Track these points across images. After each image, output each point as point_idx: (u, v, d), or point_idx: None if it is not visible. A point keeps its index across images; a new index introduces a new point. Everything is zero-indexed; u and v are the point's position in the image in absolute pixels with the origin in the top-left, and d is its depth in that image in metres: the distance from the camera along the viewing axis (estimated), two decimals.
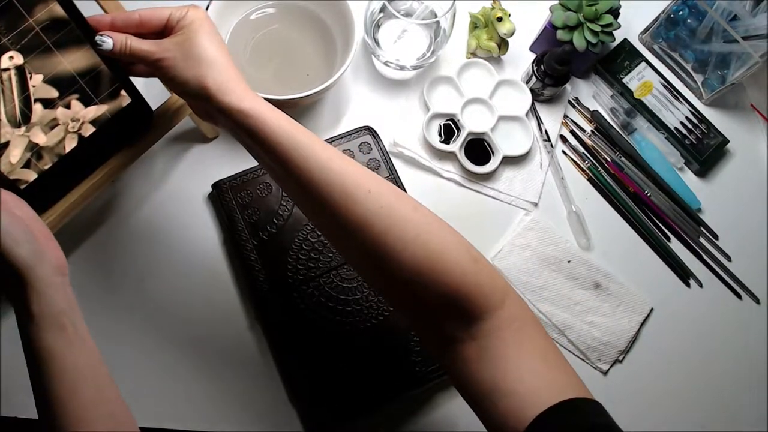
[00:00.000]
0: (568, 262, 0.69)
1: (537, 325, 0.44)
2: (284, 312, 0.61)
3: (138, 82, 0.57)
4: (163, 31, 0.50)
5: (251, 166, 0.66)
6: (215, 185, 0.65)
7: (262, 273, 0.62)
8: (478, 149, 0.71)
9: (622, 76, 0.77)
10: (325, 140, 0.67)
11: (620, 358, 0.68)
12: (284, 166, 0.46)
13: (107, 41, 0.49)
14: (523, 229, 0.70)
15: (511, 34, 0.71)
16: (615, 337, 0.67)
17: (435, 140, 0.70)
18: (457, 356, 0.43)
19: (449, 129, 0.72)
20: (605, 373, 0.67)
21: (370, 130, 0.69)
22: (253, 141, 0.46)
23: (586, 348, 0.66)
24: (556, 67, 0.70)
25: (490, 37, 0.73)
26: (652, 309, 0.70)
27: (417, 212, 0.45)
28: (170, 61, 0.48)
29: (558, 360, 0.43)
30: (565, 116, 0.76)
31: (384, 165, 0.68)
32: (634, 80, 0.77)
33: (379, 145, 0.69)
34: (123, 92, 0.55)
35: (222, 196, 0.64)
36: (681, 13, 0.76)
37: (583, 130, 0.76)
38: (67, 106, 0.52)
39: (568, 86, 0.75)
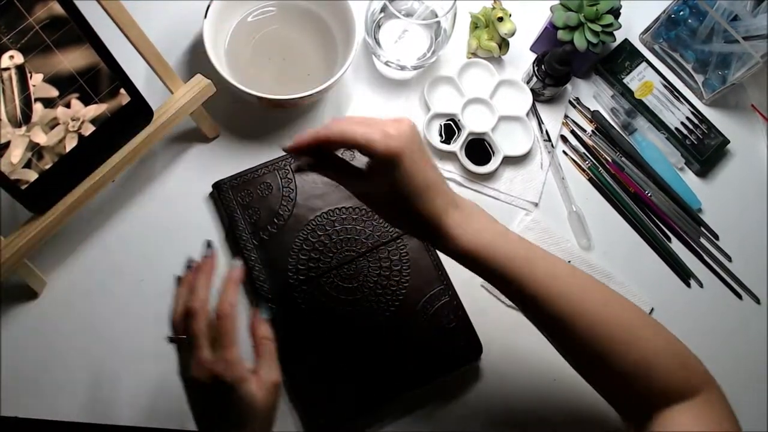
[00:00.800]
0: (569, 262, 0.69)
1: (724, 418, 0.49)
2: (285, 312, 0.61)
3: (137, 80, 0.57)
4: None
5: (251, 165, 0.66)
6: (216, 185, 0.65)
7: (263, 273, 0.62)
8: (479, 149, 0.71)
9: (622, 77, 0.77)
10: None
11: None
12: (527, 302, 0.50)
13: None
14: (523, 229, 0.70)
15: (512, 34, 0.71)
16: None
17: (435, 140, 0.70)
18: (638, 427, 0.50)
19: (450, 129, 0.72)
20: None
21: None
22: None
23: None
24: (556, 67, 0.70)
25: (491, 37, 0.73)
26: (652, 309, 0.70)
27: (641, 319, 0.51)
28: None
29: None
30: (566, 116, 0.76)
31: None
32: (634, 80, 0.77)
33: None
34: (122, 91, 0.55)
35: (222, 196, 0.64)
36: (682, 13, 0.76)
37: (584, 130, 0.76)
38: (67, 106, 0.52)
39: (568, 86, 0.75)
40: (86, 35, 0.51)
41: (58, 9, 0.49)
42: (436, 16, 0.70)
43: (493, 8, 0.73)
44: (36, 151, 0.52)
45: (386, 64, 0.71)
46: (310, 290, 0.62)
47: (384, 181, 0.47)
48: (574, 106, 0.77)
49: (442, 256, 0.64)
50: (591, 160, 0.74)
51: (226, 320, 0.49)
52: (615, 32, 0.72)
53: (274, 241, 0.63)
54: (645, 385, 0.49)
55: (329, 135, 0.46)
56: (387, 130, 0.45)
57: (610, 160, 0.75)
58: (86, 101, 0.53)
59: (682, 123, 0.76)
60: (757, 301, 0.73)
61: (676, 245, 0.73)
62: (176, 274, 0.53)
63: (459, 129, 0.71)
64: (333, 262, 0.63)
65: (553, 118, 0.75)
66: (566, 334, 0.49)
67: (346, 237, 0.64)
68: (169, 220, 0.65)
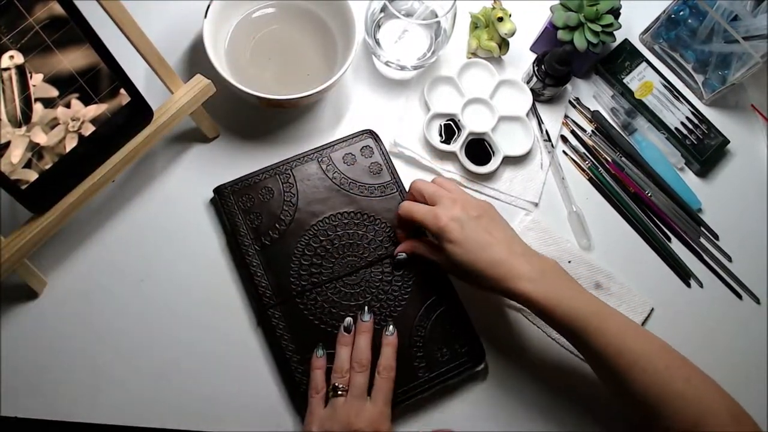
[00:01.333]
0: (569, 262, 0.69)
1: None
2: (287, 318, 0.61)
3: (137, 80, 0.57)
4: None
5: (252, 167, 0.66)
6: (217, 190, 0.65)
7: (265, 279, 0.62)
8: (479, 149, 0.71)
9: (622, 77, 0.77)
10: (326, 144, 0.68)
11: None
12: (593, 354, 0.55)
13: (403, 256, 0.63)
14: (523, 229, 0.70)
15: (512, 34, 0.71)
16: None
17: (435, 140, 0.70)
18: None
19: (450, 129, 0.72)
20: None
21: (371, 134, 0.69)
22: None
23: None
24: (556, 67, 0.70)
25: (491, 37, 0.73)
26: (652, 309, 0.70)
27: (689, 384, 0.53)
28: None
29: None
30: (566, 116, 0.76)
31: (386, 168, 0.68)
32: (634, 80, 0.77)
33: (380, 149, 0.68)
34: (122, 91, 0.55)
35: (224, 201, 0.64)
36: (682, 13, 0.76)
37: (584, 130, 0.76)
38: (67, 106, 0.52)
39: (568, 86, 0.75)
40: (86, 35, 0.51)
41: (58, 9, 0.49)
42: (436, 16, 0.70)
43: (493, 8, 0.73)
44: (36, 151, 0.52)
45: (386, 64, 0.71)
46: (313, 296, 0.62)
47: (444, 254, 0.58)
48: (574, 106, 0.77)
49: None
50: (591, 160, 0.74)
51: (386, 379, 0.57)
52: (615, 32, 0.72)
53: (276, 246, 0.63)
54: None
55: (402, 215, 0.61)
56: (437, 212, 0.58)
57: (610, 160, 0.75)
58: (86, 101, 0.53)
59: (682, 123, 0.76)
60: (757, 301, 0.73)
61: (676, 245, 0.73)
62: (320, 346, 0.60)
63: (459, 129, 0.71)
64: (335, 267, 0.63)
65: (553, 118, 0.75)
66: (628, 384, 0.53)
67: (348, 242, 0.64)
68: (169, 220, 0.65)
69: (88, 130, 0.54)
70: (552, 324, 0.56)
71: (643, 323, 0.69)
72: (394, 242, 0.65)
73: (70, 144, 0.54)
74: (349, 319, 0.60)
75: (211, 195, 0.66)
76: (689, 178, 0.76)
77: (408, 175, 0.70)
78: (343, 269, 0.63)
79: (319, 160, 0.66)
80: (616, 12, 0.71)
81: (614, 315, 0.55)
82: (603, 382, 0.57)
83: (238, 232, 0.63)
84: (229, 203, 0.64)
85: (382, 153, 0.68)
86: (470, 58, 0.76)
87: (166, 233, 0.65)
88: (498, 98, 0.73)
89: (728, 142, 0.76)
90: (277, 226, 0.63)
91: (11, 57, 0.48)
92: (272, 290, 0.62)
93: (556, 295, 0.55)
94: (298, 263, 0.63)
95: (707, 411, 0.51)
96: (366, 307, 0.61)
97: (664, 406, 0.52)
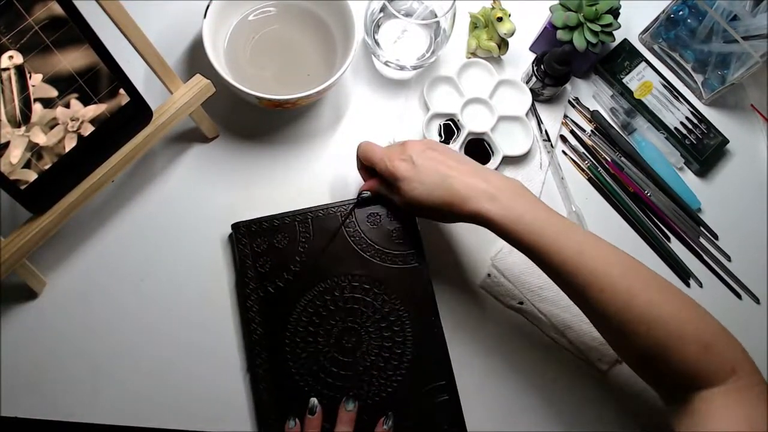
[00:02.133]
0: None
1: (761, 397, 0.48)
2: (274, 372, 0.59)
3: (137, 80, 0.57)
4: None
5: (272, 213, 0.63)
6: (235, 227, 0.62)
7: (261, 327, 0.60)
8: (478, 149, 0.71)
9: (622, 76, 0.77)
10: (354, 199, 0.64)
11: (620, 359, 0.67)
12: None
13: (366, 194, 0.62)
14: None
15: (511, 34, 0.71)
16: None
17: (435, 140, 0.70)
18: (676, 414, 0.50)
19: (449, 129, 0.72)
20: (605, 373, 0.67)
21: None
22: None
23: (586, 348, 0.66)
24: (556, 67, 0.70)
25: (490, 37, 0.73)
26: None
27: (652, 306, 0.50)
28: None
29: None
30: (565, 116, 0.76)
31: (409, 237, 0.63)
32: (634, 80, 0.77)
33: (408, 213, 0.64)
34: (122, 91, 0.55)
35: (238, 239, 0.62)
36: (681, 13, 0.76)
37: (583, 130, 0.76)
38: (67, 106, 0.52)
39: (568, 86, 0.75)
40: (86, 35, 0.51)
41: (57, 9, 0.49)
42: (436, 16, 0.70)
43: (493, 8, 0.73)
44: (35, 151, 0.52)
45: (386, 64, 0.71)
46: (305, 356, 0.59)
47: (401, 194, 0.58)
48: (574, 106, 0.77)
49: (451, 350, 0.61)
50: (590, 160, 0.74)
51: None
52: (614, 32, 0.72)
53: (280, 295, 0.60)
54: (664, 368, 0.49)
55: (361, 157, 0.61)
56: (385, 156, 0.58)
57: (609, 160, 0.75)
58: (86, 101, 0.53)
59: (682, 123, 0.76)
60: (757, 301, 0.73)
61: (675, 245, 0.73)
62: None
63: (458, 129, 0.71)
64: (333, 331, 0.60)
65: (552, 118, 0.75)
66: (589, 305, 0.52)
67: (353, 306, 0.61)
68: (168, 220, 0.65)
69: (88, 130, 0.54)
70: (513, 243, 0.54)
71: None
72: (400, 317, 0.61)
73: (70, 144, 0.54)
74: (314, 400, 0.57)
75: (211, 195, 0.66)
76: (689, 177, 0.76)
77: None
78: (340, 334, 0.60)
79: (342, 214, 0.63)
80: (615, 12, 0.71)
81: (575, 231, 0.53)
82: (570, 298, 0.55)
83: (245, 274, 0.61)
84: (243, 243, 0.61)
85: (410, 219, 0.64)
86: (469, 58, 0.76)
87: (166, 233, 0.65)
88: (497, 98, 0.74)
89: (728, 141, 0.76)
90: (284, 275, 0.61)
91: (10, 57, 0.48)
92: (265, 341, 0.59)
93: (515, 212, 0.53)
94: (296, 319, 0.60)
95: (672, 336, 0.49)
96: (352, 395, 0.58)
97: (626, 329, 0.50)
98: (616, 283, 0.50)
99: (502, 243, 0.69)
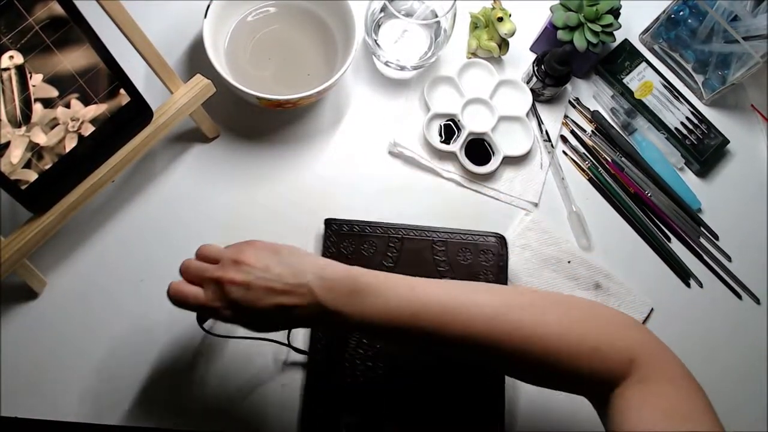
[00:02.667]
0: (569, 262, 0.69)
1: (672, 382, 0.46)
2: (329, 381, 0.59)
3: (137, 80, 0.57)
4: None
5: (363, 219, 0.64)
6: (327, 222, 0.63)
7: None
8: (479, 149, 0.71)
9: (622, 77, 0.77)
10: (451, 229, 0.65)
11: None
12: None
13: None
14: (523, 229, 0.70)
15: (512, 34, 0.71)
16: None
17: (435, 140, 0.70)
18: (603, 416, 0.47)
19: (450, 129, 0.72)
20: None
21: (501, 240, 0.65)
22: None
23: None
24: (556, 67, 0.70)
25: (491, 37, 0.73)
26: (652, 309, 0.70)
27: (544, 313, 0.48)
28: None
29: (690, 415, 0.43)
30: (566, 116, 0.76)
31: (495, 280, 0.63)
32: (634, 80, 0.77)
33: (502, 259, 0.65)
34: (122, 91, 0.55)
35: (331, 235, 0.62)
36: (681, 13, 0.76)
37: (584, 131, 0.76)
38: (67, 106, 0.52)
39: (568, 86, 0.75)
40: (86, 35, 0.51)
41: (58, 9, 0.49)
42: (436, 16, 0.70)
43: (493, 8, 0.73)
44: (36, 151, 0.52)
45: (386, 64, 0.71)
46: (362, 370, 0.59)
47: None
48: (574, 106, 0.77)
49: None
50: (591, 160, 0.74)
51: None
52: (615, 32, 0.72)
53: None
54: (570, 379, 0.48)
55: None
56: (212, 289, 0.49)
57: (610, 160, 0.75)
58: (86, 101, 0.53)
59: (682, 123, 0.76)
60: (757, 301, 0.73)
61: (675, 245, 0.73)
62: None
63: (459, 129, 0.71)
64: (387, 366, 0.60)
65: (553, 118, 0.75)
66: (475, 355, 0.49)
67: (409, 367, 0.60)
68: (168, 220, 0.65)
69: (88, 130, 0.54)
70: (377, 338, 0.51)
71: (643, 323, 0.69)
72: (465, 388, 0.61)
73: (70, 144, 0.54)
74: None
75: (211, 195, 0.66)
76: (689, 178, 0.76)
77: (408, 176, 0.70)
78: (400, 360, 0.60)
79: (434, 241, 0.64)
80: (615, 12, 0.71)
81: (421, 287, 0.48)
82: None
83: None
84: (332, 239, 0.63)
85: (501, 264, 0.64)
86: (470, 58, 0.76)
87: (166, 233, 0.65)
88: (498, 98, 0.73)
89: (728, 142, 0.76)
90: None
91: (11, 57, 0.48)
92: (325, 351, 0.60)
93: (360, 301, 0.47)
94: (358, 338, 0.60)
95: (562, 350, 0.46)
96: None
97: (523, 359, 0.47)
98: (499, 317, 0.47)
99: None
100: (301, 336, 0.62)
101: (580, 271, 0.69)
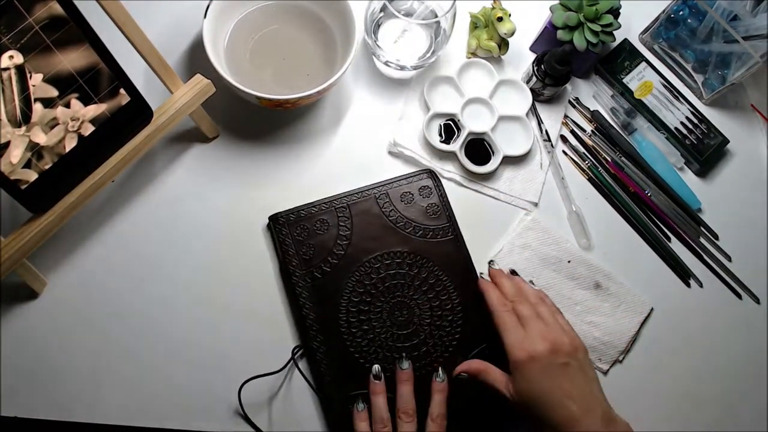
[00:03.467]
0: (569, 262, 0.69)
1: None
2: (332, 354, 0.61)
3: (137, 80, 0.57)
4: None
5: (306, 201, 0.65)
6: (273, 218, 0.64)
7: (313, 311, 0.61)
8: (479, 149, 0.71)
9: (622, 76, 0.77)
10: (385, 181, 0.67)
11: (620, 358, 0.68)
12: None
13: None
14: (523, 229, 0.70)
15: (512, 34, 0.71)
16: (615, 337, 0.67)
17: (435, 140, 0.70)
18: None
19: (449, 129, 0.72)
20: (605, 373, 0.67)
21: (431, 174, 0.68)
22: None
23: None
24: (556, 67, 0.70)
25: (491, 37, 0.73)
26: (652, 309, 0.70)
27: None
28: None
29: None
30: (566, 116, 0.76)
31: (443, 211, 0.67)
32: (634, 80, 0.77)
33: (439, 191, 0.67)
34: (122, 91, 0.55)
35: (278, 230, 0.64)
36: (681, 13, 0.76)
37: (584, 130, 0.76)
38: (67, 105, 0.52)
39: (568, 86, 0.75)
40: (86, 35, 0.51)
41: (57, 9, 0.49)
42: (436, 16, 0.70)
43: (493, 8, 0.73)
44: (36, 151, 0.52)
45: (386, 64, 0.71)
46: (360, 334, 0.61)
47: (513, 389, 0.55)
48: (574, 106, 0.77)
49: None
50: (591, 160, 0.74)
51: (440, 426, 0.57)
52: (614, 32, 0.72)
53: (327, 279, 0.62)
54: None
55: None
56: (522, 341, 0.56)
57: (609, 159, 0.75)
58: (86, 101, 0.53)
59: (682, 123, 0.76)
60: (757, 300, 0.73)
61: (675, 245, 0.73)
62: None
63: (459, 129, 0.71)
64: (384, 306, 0.62)
65: (552, 118, 0.75)
66: None
67: (400, 282, 0.63)
68: (168, 220, 0.65)
69: (88, 130, 0.54)
70: None
71: (643, 323, 0.69)
72: (445, 286, 0.64)
73: (70, 144, 0.54)
74: (377, 366, 0.60)
75: (211, 195, 0.66)
76: (689, 177, 0.76)
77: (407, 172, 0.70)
78: (392, 309, 0.63)
79: (377, 197, 0.66)
80: (615, 12, 0.71)
81: None
82: None
83: (290, 263, 0.63)
84: (284, 233, 0.63)
85: (441, 195, 0.67)
86: (470, 57, 0.76)
87: (166, 233, 0.65)
88: (498, 98, 0.74)
89: (728, 141, 0.76)
90: (329, 259, 0.63)
91: (11, 57, 0.48)
92: (319, 324, 0.61)
93: None
94: (347, 299, 0.62)
95: None
96: (404, 355, 0.61)
97: None
98: None
99: (502, 243, 0.69)
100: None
101: (580, 270, 0.69)
